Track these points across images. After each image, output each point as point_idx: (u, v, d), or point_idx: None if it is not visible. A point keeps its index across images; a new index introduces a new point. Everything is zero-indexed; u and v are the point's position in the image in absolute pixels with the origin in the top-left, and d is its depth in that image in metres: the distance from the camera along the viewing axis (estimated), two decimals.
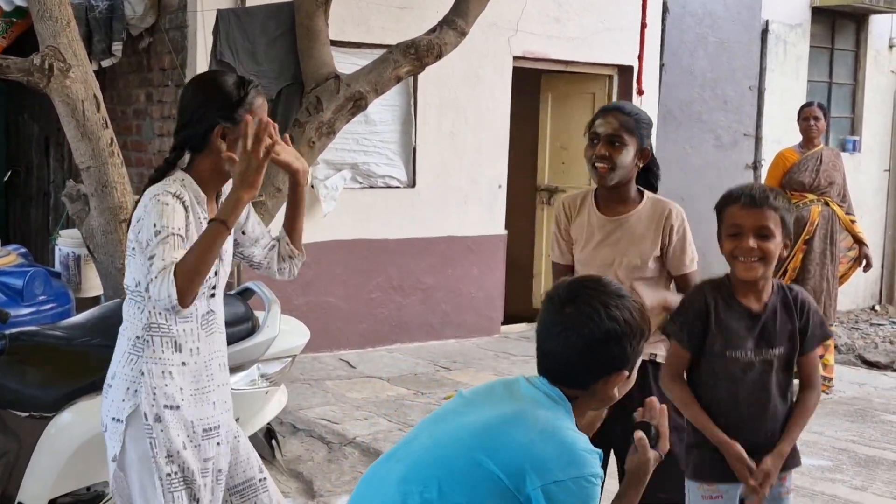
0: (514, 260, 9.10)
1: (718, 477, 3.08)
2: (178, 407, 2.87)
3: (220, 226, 2.70)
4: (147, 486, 2.89)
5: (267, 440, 4.21)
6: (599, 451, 2.18)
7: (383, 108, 7.85)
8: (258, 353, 3.93)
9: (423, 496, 2.13)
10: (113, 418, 2.90)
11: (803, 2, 10.60)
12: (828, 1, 10.64)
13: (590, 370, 2.23)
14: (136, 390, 2.86)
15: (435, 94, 8.22)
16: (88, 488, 3.65)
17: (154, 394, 2.85)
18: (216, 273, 2.94)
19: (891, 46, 11.52)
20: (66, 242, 5.97)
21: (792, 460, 3.13)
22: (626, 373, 2.25)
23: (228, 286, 5.10)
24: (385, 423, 6.20)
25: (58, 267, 5.86)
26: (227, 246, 3.00)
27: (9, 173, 9.34)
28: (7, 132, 9.61)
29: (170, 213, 2.75)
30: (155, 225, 2.73)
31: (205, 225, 2.84)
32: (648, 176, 3.61)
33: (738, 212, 2.96)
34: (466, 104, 8.43)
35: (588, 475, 2.10)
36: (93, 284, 5.55)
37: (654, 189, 3.61)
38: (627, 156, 3.42)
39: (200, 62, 6.76)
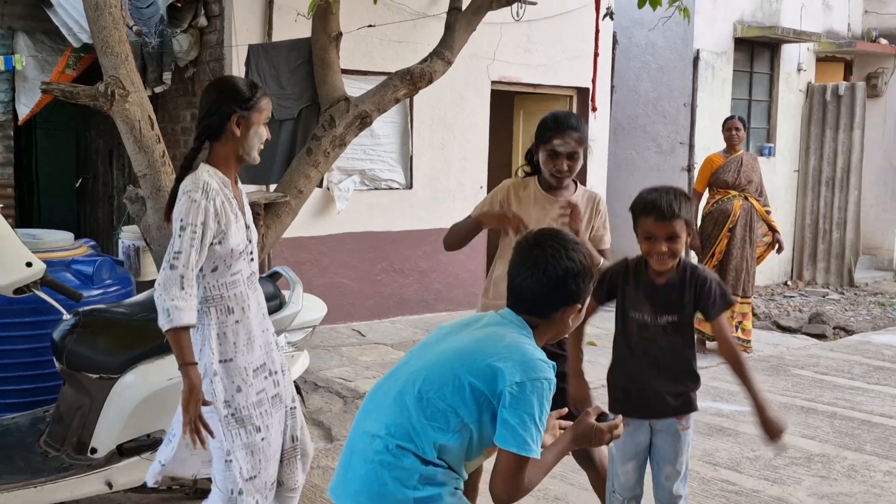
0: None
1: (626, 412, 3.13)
2: (231, 360, 2.96)
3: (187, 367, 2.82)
4: (212, 425, 2.94)
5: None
6: (553, 363, 2.22)
7: (385, 125, 7.85)
8: (285, 325, 3.92)
9: (418, 404, 2.21)
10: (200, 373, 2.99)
11: (727, 33, 10.59)
12: (747, 33, 10.63)
13: (551, 302, 2.28)
14: (200, 350, 2.94)
15: (427, 112, 8.21)
16: (148, 435, 3.63)
17: (212, 353, 2.93)
18: (249, 241, 3.03)
19: (799, 70, 11.52)
20: (128, 236, 5.94)
21: (688, 406, 3.15)
22: (579, 306, 2.31)
23: (260, 269, 5.12)
24: None
25: (121, 256, 5.84)
26: (249, 216, 3.10)
27: (80, 180, 9.32)
28: (77, 146, 9.59)
29: (193, 210, 2.81)
30: (179, 219, 2.81)
31: (233, 204, 2.94)
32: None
33: (653, 224, 2.98)
34: (453, 121, 8.42)
35: (543, 378, 2.16)
36: (150, 270, 5.54)
37: (582, 180, 3.69)
38: (580, 163, 3.53)
39: None
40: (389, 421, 2.24)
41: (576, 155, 3.46)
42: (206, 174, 2.90)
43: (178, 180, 2.95)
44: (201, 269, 2.87)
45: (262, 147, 3.04)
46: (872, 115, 11.89)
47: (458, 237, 3.64)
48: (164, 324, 2.78)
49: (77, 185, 9.34)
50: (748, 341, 7.34)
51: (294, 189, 5.33)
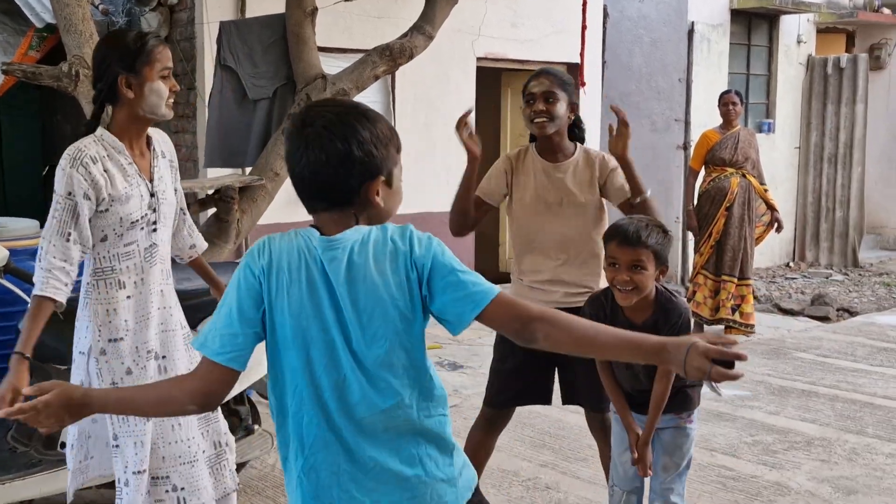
0: (481, 230, 9.12)
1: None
2: (122, 339, 2.87)
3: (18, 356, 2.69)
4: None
5: None
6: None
7: (366, 104, 7.84)
8: None
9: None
10: (79, 352, 2.93)
11: (723, 4, 10.62)
12: (744, 4, 10.66)
13: (344, 183, 1.89)
14: (87, 328, 2.88)
15: (410, 91, 8.22)
16: None
17: (100, 331, 2.86)
18: (154, 210, 2.92)
19: (799, 42, 11.56)
20: None
21: (686, 404, 3.15)
22: (382, 177, 1.93)
23: (236, 254, 5.14)
24: None
25: None
26: (168, 190, 3.00)
27: (46, 168, 9.30)
28: (43, 132, 9.56)
29: (62, 179, 2.77)
30: (56, 191, 2.78)
31: (128, 170, 2.85)
32: (575, 130, 3.65)
33: (615, 248, 2.93)
34: (437, 99, 8.43)
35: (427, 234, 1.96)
36: None
37: (581, 140, 3.66)
38: (561, 108, 3.46)
39: (207, 67, 6.75)
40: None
41: (551, 96, 3.44)
42: (89, 140, 2.83)
43: None
44: (85, 240, 2.79)
45: (171, 100, 2.90)
46: (876, 88, 11.96)
47: (456, 214, 3.71)
48: (35, 290, 2.74)
49: (44, 172, 9.31)
50: (749, 325, 7.40)
51: (270, 172, 5.34)
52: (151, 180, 2.94)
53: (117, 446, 2.90)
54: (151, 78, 2.84)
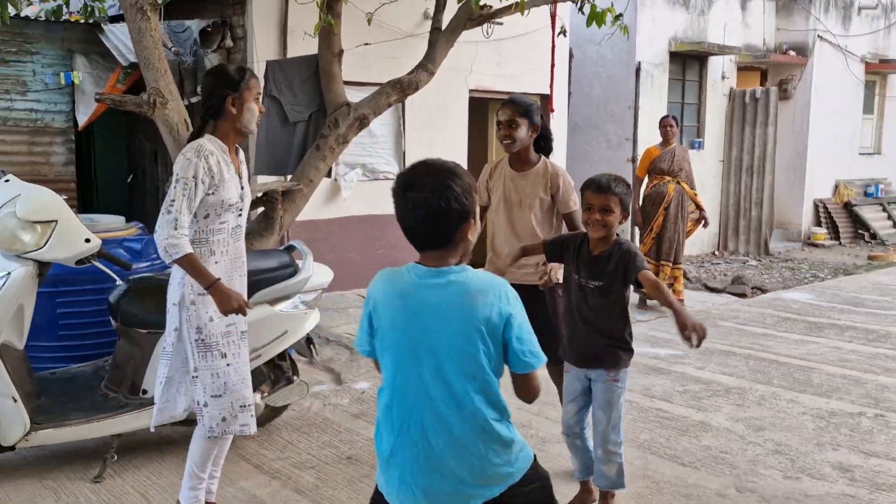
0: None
1: (569, 361, 3.26)
2: (206, 294, 2.93)
3: (214, 285, 2.88)
4: (186, 347, 2.99)
5: (307, 345, 4.26)
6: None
7: (382, 126, 7.85)
8: (298, 288, 3.97)
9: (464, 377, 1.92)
10: (172, 303, 3.00)
11: (664, 48, 10.60)
12: (680, 47, 10.64)
13: (448, 229, 1.92)
14: (182, 283, 2.96)
15: (416, 116, 8.22)
16: None
17: (192, 286, 2.94)
18: (241, 199, 3.04)
19: (723, 77, 11.53)
20: None
21: (615, 363, 3.12)
22: (472, 219, 1.95)
23: (282, 242, 5.14)
24: None
25: None
26: (247, 187, 3.11)
27: (131, 176, 9.31)
28: (128, 148, 9.57)
29: (186, 166, 2.84)
30: (175, 173, 2.85)
31: (231, 167, 2.97)
32: (546, 143, 3.69)
33: (591, 195, 3.02)
34: (438, 123, 8.43)
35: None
36: None
37: (549, 150, 3.70)
38: (522, 131, 3.53)
39: None
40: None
41: (513, 123, 3.50)
42: (205, 140, 2.94)
43: None
44: (195, 215, 2.91)
45: (258, 120, 3.06)
46: (783, 114, 11.94)
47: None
48: (165, 258, 2.82)
49: (129, 180, 9.32)
50: (680, 300, 7.41)
51: (306, 178, 5.36)
52: (240, 177, 3.07)
53: (196, 377, 2.98)
54: (249, 99, 2.99)
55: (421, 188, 1.89)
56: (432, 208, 1.88)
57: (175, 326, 3.01)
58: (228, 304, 2.89)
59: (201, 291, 2.93)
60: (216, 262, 2.99)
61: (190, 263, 2.85)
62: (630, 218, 9.28)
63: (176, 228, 2.80)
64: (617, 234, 3.11)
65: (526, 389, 2.02)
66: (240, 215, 3.07)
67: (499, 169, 3.70)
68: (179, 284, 2.97)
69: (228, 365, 3.00)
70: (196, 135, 2.99)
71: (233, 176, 2.99)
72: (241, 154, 3.16)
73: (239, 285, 3.11)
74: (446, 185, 1.89)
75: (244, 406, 3.04)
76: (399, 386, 1.95)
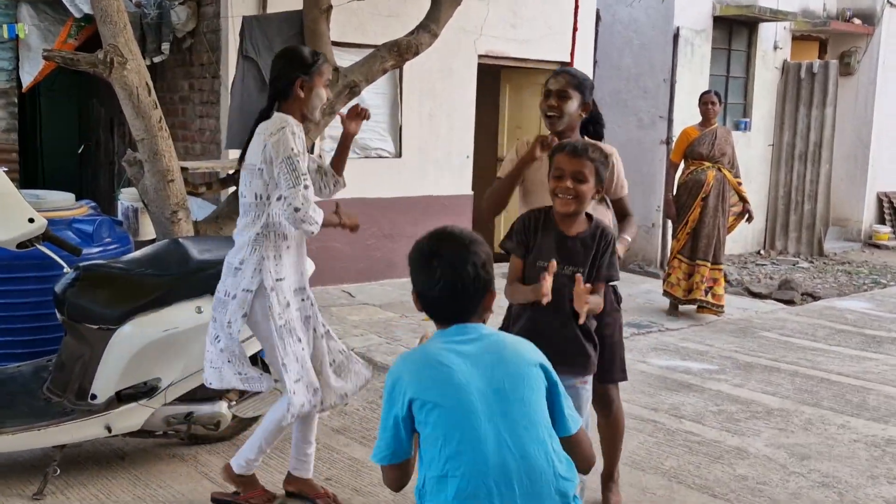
0: (479, 214, 9.17)
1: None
2: (284, 278, 3.32)
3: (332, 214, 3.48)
4: (267, 334, 3.30)
5: None
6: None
7: (376, 95, 7.87)
8: None
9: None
10: (244, 289, 3.28)
11: (707, 11, 10.59)
12: (726, 11, 10.63)
13: (472, 303, 2.13)
14: (259, 269, 3.27)
15: (416, 84, 8.24)
16: (145, 383, 3.72)
17: (271, 272, 3.28)
18: (311, 181, 3.34)
19: (775, 48, 11.53)
20: (127, 198, 5.99)
21: (585, 368, 3.09)
22: (493, 290, 2.17)
23: None
24: (376, 338, 6.31)
25: (120, 217, 5.89)
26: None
27: (82, 147, 9.34)
28: (80, 114, 9.59)
29: (290, 138, 3.18)
30: (281, 151, 3.16)
31: (305, 153, 3.30)
32: (596, 127, 3.68)
33: (563, 158, 2.97)
34: (441, 92, 8.45)
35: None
36: (147, 230, 5.59)
37: (600, 136, 3.69)
38: (572, 106, 3.50)
39: (231, 58, 6.77)
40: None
41: (565, 94, 3.48)
42: (286, 115, 3.26)
43: (252, 129, 3.33)
44: (268, 198, 3.23)
45: (324, 107, 3.37)
46: (844, 92, 11.94)
47: (497, 197, 3.50)
48: (314, 230, 3.23)
49: (80, 151, 9.35)
50: (720, 306, 7.43)
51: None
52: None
53: (284, 364, 3.30)
54: (319, 85, 3.33)
55: (446, 257, 2.09)
56: (459, 279, 2.08)
57: (244, 313, 3.29)
58: (351, 218, 3.53)
59: (279, 276, 3.28)
60: (288, 248, 3.34)
61: (326, 222, 3.33)
62: (661, 210, 9.42)
63: (309, 200, 3.18)
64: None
65: (583, 450, 2.18)
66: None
67: None
68: (255, 272, 3.26)
69: (303, 349, 3.36)
70: (262, 117, 3.31)
71: (306, 156, 3.30)
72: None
73: (305, 273, 3.48)
74: (472, 254, 2.10)
75: (316, 389, 3.41)
76: (471, 461, 1.98)
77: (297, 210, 3.15)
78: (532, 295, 2.91)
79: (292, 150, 3.16)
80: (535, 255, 3.05)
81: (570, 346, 3.04)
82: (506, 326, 3.16)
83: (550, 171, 3.03)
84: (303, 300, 3.44)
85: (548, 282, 2.79)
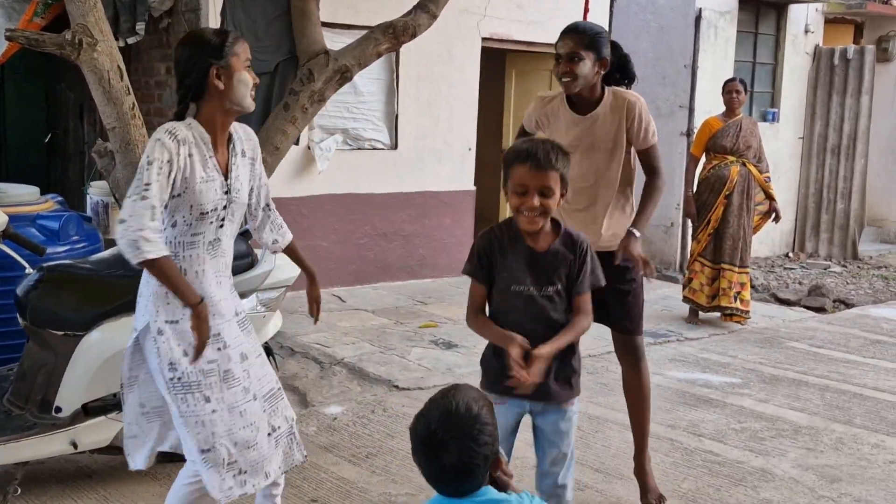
0: (481, 212, 9.18)
1: (503, 390, 2.90)
2: (177, 321, 2.90)
3: (199, 306, 2.84)
4: (163, 390, 2.97)
5: (266, 356, 4.27)
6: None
7: (370, 81, 7.88)
8: (257, 284, 4.00)
9: None
10: (133, 328, 3.00)
11: None
12: None
13: (479, 479, 2.14)
14: (147, 308, 2.94)
15: (414, 69, 8.24)
16: (115, 395, 3.70)
17: (157, 311, 2.91)
18: (225, 207, 2.97)
19: (806, 32, 11.54)
20: (97, 192, 6.00)
21: (572, 392, 3.03)
22: (499, 458, 2.18)
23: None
24: (369, 346, 6.31)
25: (89, 213, 5.91)
26: (242, 189, 3.05)
27: (49, 135, 9.33)
28: (47, 100, 9.59)
29: (158, 147, 2.79)
30: (146, 155, 2.80)
31: (208, 162, 2.91)
32: (624, 73, 3.77)
33: (526, 173, 2.80)
34: (441, 78, 8.45)
35: None
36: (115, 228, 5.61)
37: (631, 79, 3.79)
38: (585, 67, 3.55)
39: None
40: None
41: (576, 56, 3.52)
42: (180, 124, 2.90)
43: None
44: (120, 219, 2.79)
45: (253, 93, 2.99)
46: (882, 80, 11.94)
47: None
48: (133, 257, 2.70)
49: (47, 140, 9.35)
50: (747, 312, 7.44)
51: (270, 146, 5.37)
52: (227, 177, 3.00)
53: (183, 422, 2.94)
54: (238, 68, 2.93)
55: (454, 450, 2.06)
56: (466, 465, 2.08)
57: (135, 357, 3.03)
58: (207, 337, 2.84)
59: (172, 318, 2.91)
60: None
61: (165, 270, 2.78)
62: (681, 208, 9.42)
63: (153, 219, 2.71)
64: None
65: None
66: (221, 226, 3.00)
67: (553, 108, 3.74)
68: (144, 307, 2.95)
69: (214, 412, 2.94)
70: (177, 119, 2.93)
71: (214, 175, 2.93)
72: (242, 141, 3.09)
73: (225, 318, 3.04)
74: (482, 446, 2.08)
75: (254, 466, 3.01)
76: None
77: (121, 222, 2.71)
78: (505, 344, 2.83)
79: (148, 158, 2.77)
80: (508, 278, 2.93)
81: (558, 371, 2.96)
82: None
83: (509, 181, 2.87)
84: (220, 348, 2.97)
85: (522, 374, 2.77)
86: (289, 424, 3.22)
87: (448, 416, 2.08)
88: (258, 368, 3.12)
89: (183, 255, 2.94)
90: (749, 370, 6.23)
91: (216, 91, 2.90)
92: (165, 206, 2.84)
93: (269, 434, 3.11)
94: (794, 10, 11.32)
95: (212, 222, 2.95)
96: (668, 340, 6.96)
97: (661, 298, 8.37)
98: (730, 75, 9.36)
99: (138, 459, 3.18)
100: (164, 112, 7.83)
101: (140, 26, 7.35)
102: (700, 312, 7.52)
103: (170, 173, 2.80)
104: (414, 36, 5.67)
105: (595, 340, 6.55)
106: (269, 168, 5.44)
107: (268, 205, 3.32)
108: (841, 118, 11.51)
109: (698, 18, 10.26)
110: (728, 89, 7.39)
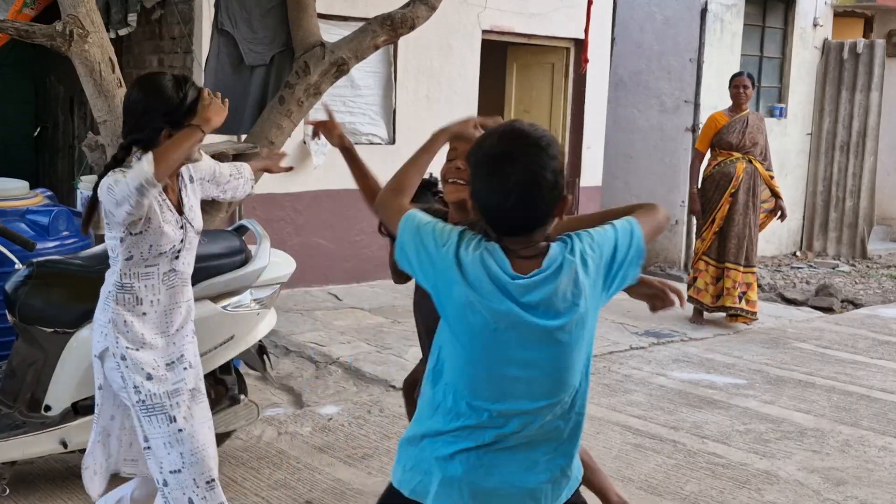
0: None
1: None
2: (138, 349, 2.98)
3: (195, 129, 2.87)
4: (130, 410, 3.02)
5: (259, 355, 4.30)
6: None
7: (367, 74, 7.89)
8: (250, 281, 4.01)
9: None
10: (94, 355, 3.05)
11: None
12: None
13: (547, 213, 2.05)
14: (105, 334, 2.98)
15: (413, 62, 8.26)
16: None
17: (117, 338, 2.97)
18: (181, 240, 3.03)
19: (815, 25, 11.55)
20: (87, 187, 5.99)
21: None
22: (569, 196, 2.11)
23: (228, 222, 5.21)
24: (365, 345, 6.33)
25: (79, 208, 5.91)
26: (196, 217, 3.11)
27: (38, 129, 9.35)
28: (36, 93, 9.61)
29: (119, 188, 2.78)
30: (119, 192, 2.77)
31: (163, 206, 2.96)
32: None
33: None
34: (440, 71, 8.47)
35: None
36: (101, 224, 5.62)
37: None
38: None
39: (205, 31, 6.77)
40: None
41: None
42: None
43: (96, 185, 2.91)
44: (117, 253, 2.94)
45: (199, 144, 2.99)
46: (892, 75, 11.95)
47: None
48: (144, 184, 2.73)
49: (35, 133, 9.36)
50: (753, 313, 7.46)
51: (265, 140, 5.39)
52: (181, 211, 3.04)
53: (149, 448, 3.00)
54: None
55: (522, 162, 1.98)
56: (537, 187, 1.98)
57: (99, 384, 3.06)
58: (219, 113, 2.95)
59: (132, 345, 2.97)
60: (144, 314, 3.01)
61: (172, 144, 2.84)
62: (686, 206, 9.43)
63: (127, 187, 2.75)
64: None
65: None
66: (177, 257, 3.06)
67: None
68: (102, 333, 2.99)
69: (181, 430, 3.00)
70: (111, 167, 2.89)
71: (168, 217, 2.98)
72: (191, 166, 3.12)
73: (177, 345, 3.10)
74: (551, 158, 2.00)
75: (210, 481, 3.04)
76: None
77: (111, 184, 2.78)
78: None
79: (117, 199, 2.78)
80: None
81: None
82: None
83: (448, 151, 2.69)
84: (186, 368, 3.09)
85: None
86: None
87: (516, 131, 2.03)
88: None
89: (137, 285, 3.00)
90: (754, 371, 6.25)
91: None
92: (122, 241, 2.90)
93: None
94: (802, 3, 11.33)
95: (167, 257, 3.03)
96: (672, 340, 6.99)
97: None
98: (736, 69, 9.39)
99: (95, 486, 3.19)
100: None
101: (132, 18, 7.37)
102: (705, 312, 7.55)
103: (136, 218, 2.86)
104: (412, 28, 5.68)
105: (597, 341, 6.58)
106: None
107: (231, 173, 3.41)
108: (850, 114, 11.53)
109: (704, 11, 10.28)
110: (735, 84, 7.40)
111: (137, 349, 2.98)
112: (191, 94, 2.95)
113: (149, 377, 2.98)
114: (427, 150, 2.35)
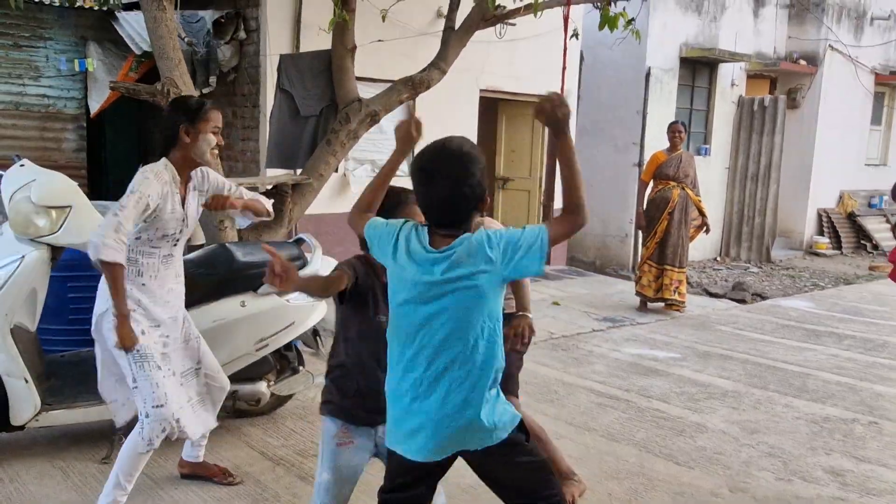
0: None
1: (347, 418, 2.36)
2: (134, 310, 2.96)
3: (125, 317, 2.86)
4: (122, 360, 2.99)
5: (313, 336, 4.32)
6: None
7: (393, 123, 7.86)
8: None
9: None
10: (97, 313, 3.03)
11: (674, 54, 10.64)
12: (690, 53, 10.69)
13: (469, 211, 2.02)
14: (107, 298, 2.95)
15: (427, 113, 8.25)
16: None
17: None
18: (181, 231, 3.05)
19: (732, 85, 11.57)
20: None
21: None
22: (488, 199, 2.05)
23: (287, 237, 5.22)
24: None
25: None
26: (192, 211, 3.10)
27: (140, 163, 9.36)
28: (139, 138, 9.65)
29: (144, 182, 2.87)
30: (132, 186, 2.86)
31: (175, 197, 2.98)
32: None
33: (215, 113, 2.93)
34: (448, 120, 8.41)
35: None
36: (198, 236, 5.63)
37: None
38: None
39: (269, 90, 6.82)
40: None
41: None
42: (161, 166, 2.98)
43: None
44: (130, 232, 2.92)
45: (215, 151, 3.04)
46: (791, 123, 11.97)
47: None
48: (93, 254, 2.76)
49: (140, 167, 9.39)
50: (683, 302, 7.48)
51: (316, 173, 5.43)
52: (184, 207, 3.07)
53: (136, 387, 2.97)
54: (204, 130, 3.00)
55: (444, 176, 1.95)
56: (458, 194, 1.95)
57: (96, 337, 3.03)
58: (126, 341, 2.88)
59: (131, 307, 2.93)
60: (143, 285, 3.00)
61: (115, 275, 2.80)
62: (633, 222, 9.44)
63: (117, 231, 2.76)
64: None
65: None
66: (175, 244, 3.08)
67: None
68: (104, 298, 2.95)
69: (165, 377, 2.99)
70: (158, 157, 3.00)
71: (177, 208, 3.01)
72: (197, 182, 3.13)
73: (169, 318, 3.07)
74: (469, 175, 1.96)
75: (178, 419, 3.01)
76: None
77: (98, 227, 2.78)
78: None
79: (132, 188, 2.84)
80: (379, 309, 2.38)
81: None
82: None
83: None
84: (162, 335, 3.04)
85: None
86: (199, 398, 3.24)
87: (444, 151, 1.97)
88: (181, 352, 3.18)
89: (142, 261, 3.01)
90: (687, 347, 6.26)
91: (183, 143, 2.99)
92: (135, 225, 2.90)
93: (187, 401, 3.14)
94: (723, 67, 11.37)
95: (169, 241, 3.05)
96: (624, 325, 7.00)
97: (618, 292, 8.41)
98: (672, 119, 9.41)
99: (123, 415, 3.23)
100: (232, 147, 7.88)
101: (212, 79, 7.42)
102: (648, 303, 7.56)
103: (145, 208, 2.87)
104: (428, 87, 5.73)
105: (567, 325, 6.60)
106: (315, 190, 5.48)
107: (230, 190, 3.32)
108: (759, 152, 11.54)
109: (648, 74, 10.31)
110: (672, 130, 7.42)
111: (134, 310, 2.95)
112: (207, 106, 3.02)
113: (143, 332, 2.97)
114: (383, 174, 2.37)
